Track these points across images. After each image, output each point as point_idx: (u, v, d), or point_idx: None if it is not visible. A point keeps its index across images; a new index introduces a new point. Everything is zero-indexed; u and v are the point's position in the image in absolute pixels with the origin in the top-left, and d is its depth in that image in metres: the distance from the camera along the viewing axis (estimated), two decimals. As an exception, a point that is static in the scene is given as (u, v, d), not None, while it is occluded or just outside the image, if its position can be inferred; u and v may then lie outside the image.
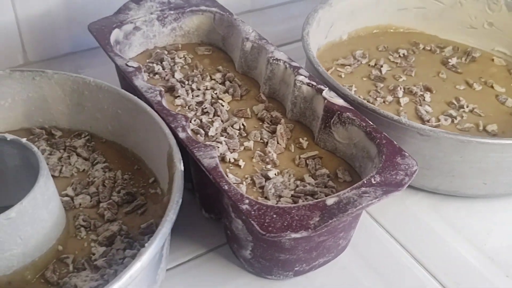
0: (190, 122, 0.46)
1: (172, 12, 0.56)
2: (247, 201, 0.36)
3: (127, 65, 0.47)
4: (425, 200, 0.49)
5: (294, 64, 0.49)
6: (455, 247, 0.45)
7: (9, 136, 0.39)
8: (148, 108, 0.43)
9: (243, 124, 0.47)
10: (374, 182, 0.38)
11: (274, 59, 0.49)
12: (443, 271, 0.43)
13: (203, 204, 0.45)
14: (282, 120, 0.48)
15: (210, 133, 0.46)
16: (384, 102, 0.55)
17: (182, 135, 0.41)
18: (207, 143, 0.41)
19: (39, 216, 0.36)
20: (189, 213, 0.46)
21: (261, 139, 0.46)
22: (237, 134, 0.46)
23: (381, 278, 0.43)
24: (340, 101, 0.45)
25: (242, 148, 0.45)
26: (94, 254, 0.38)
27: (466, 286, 0.42)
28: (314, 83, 0.46)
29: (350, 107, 0.44)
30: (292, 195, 0.41)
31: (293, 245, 0.38)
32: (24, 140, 0.39)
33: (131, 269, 0.32)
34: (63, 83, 0.47)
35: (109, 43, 0.50)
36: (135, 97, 0.44)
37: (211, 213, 0.45)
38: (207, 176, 0.40)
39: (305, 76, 0.47)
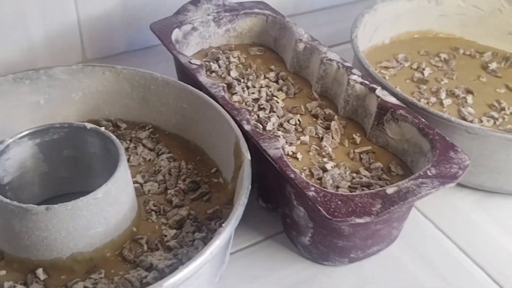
0: (249, 116, 0.49)
1: (227, 14, 0.59)
2: (313, 188, 0.38)
3: (190, 62, 0.50)
4: (470, 196, 0.52)
5: (346, 64, 0.51)
6: (500, 240, 0.48)
7: (89, 125, 0.42)
8: (215, 103, 0.46)
9: (298, 120, 0.50)
10: (430, 174, 0.40)
11: (327, 59, 0.52)
12: (490, 263, 0.46)
13: (260, 195, 0.48)
14: (336, 117, 0.50)
15: (268, 128, 0.48)
16: (427, 103, 0.58)
17: (247, 127, 0.44)
18: (270, 135, 0.44)
19: (119, 198, 0.39)
20: (247, 203, 0.48)
21: (316, 134, 0.49)
22: (293, 129, 0.49)
23: (431, 268, 0.45)
24: (392, 99, 0.47)
25: (298, 142, 0.48)
26: (165, 236, 0.41)
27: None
28: (367, 82, 0.49)
29: (403, 105, 0.47)
30: (349, 186, 0.44)
31: (351, 232, 0.41)
32: (102, 129, 0.42)
33: (212, 245, 0.34)
34: (131, 78, 0.50)
35: (171, 42, 0.53)
36: (201, 92, 0.47)
37: (268, 203, 0.48)
38: (267, 167, 0.42)
39: (358, 76, 0.50)
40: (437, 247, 0.47)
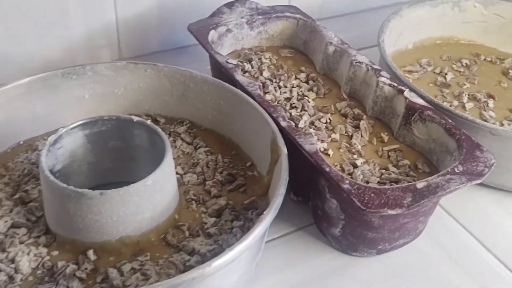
0: (282, 114, 0.52)
1: (260, 17, 0.61)
2: (347, 181, 0.41)
3: (227, 62, 0.53)
4: (491, 195, 0.54)
5: (375, 67, 0.54)
6: (520, 238, 0.50)
7: (136, 118, 0.45)
8: (252, 100, 0.48)
9: (329, 119, 0.52)
10: (457, 171, 0.43)
11: (357, 62, 0.54)
12: (511, 258, 0.48)
13: (292, 188, 0.50)
14: (364, 116, 0.53)
15: (300, 125, 0.51)
16: (450, 106, 0.60)
17: (283, 123, 0.46)
18: (305, 131, 0.47)
19: (165, 186, 0.42)
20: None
21: (345, 132, 0.52)
22: (324, 127, 0.52)
23: (455, 262, 0.47)
24: (420, 101, 0.50)
25: (329, 139, 0.51)
26: (205, 223, 0.44)
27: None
28: (396, 84, 0.52)
29: (430, 106, 0.49)
30: (378, 182, 0.46)
31: (380, 225, 0.43)
32: (148, 122, 0.45)
33: (255, 231, 0.37)
34: (171, 76, 0.53)
35: (208, 42, 0.56)
36: (239, 90, 0.49)
37: (299, 196, 0.50)
38: (300, 162, 0.45)
39: (387, 78, 0.52)
40: (460, 242, 0.49)
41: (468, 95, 0.62)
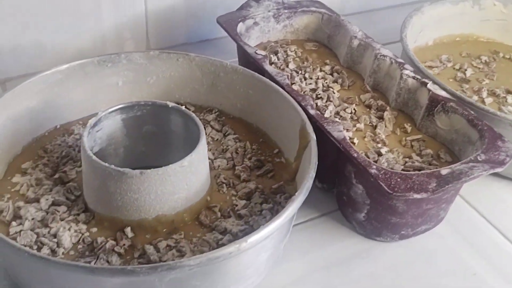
0: (309, 104, 0.53)
1: (286, 11, 0.63)
2: (374, 166, 0.43)
3: (256, 53, 0.55)
4: (510, 186, 0.56)
5: (399, 60, 0.56)
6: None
7: (171, 104, 0.47)
8: (281, 89, 0.50)
9: (354, 109, 0.54)
10: (480, 159, 0.44)
11: (381, 55, 0.56)
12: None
13: (317, 175, 0.52)
14: (388, 108, 0.55)
15: (326, 115, 0.53)
16: (470, 100, 0.62)
17: (312, 112, 0.48)
18: (333, 119, 0.48)
19: (200, 169, 0.44)
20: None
21: (370, 122, 0.53)
22: (349, 117, 0.53)
23: (474, 248, 0.49)
24: (443, 93, 0.52)
25: (354, 129, 0.52)
26: (236, 205, 0.46)
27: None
28: (419, 77, 0.53)
29: (453, 98, 0.51)
30: (402, 170, 0.48)
31: (405, 210, 0.45)
32: (183, 107, 0.47)
33: (287, 210, 0.39)
34: (202, 65, 0.54)
35: (237, 34, 0.58)
36: (269, 80, 0.51)
37: (324, 183, 0.52)
38: (326, 149, 0.47)
39: (410, 71, 0.54)
40: (479, 230, 0.51)
41: (487, 90, 0.64)
